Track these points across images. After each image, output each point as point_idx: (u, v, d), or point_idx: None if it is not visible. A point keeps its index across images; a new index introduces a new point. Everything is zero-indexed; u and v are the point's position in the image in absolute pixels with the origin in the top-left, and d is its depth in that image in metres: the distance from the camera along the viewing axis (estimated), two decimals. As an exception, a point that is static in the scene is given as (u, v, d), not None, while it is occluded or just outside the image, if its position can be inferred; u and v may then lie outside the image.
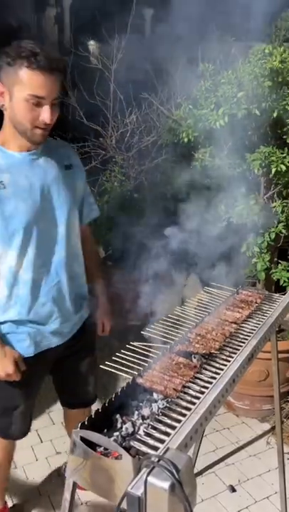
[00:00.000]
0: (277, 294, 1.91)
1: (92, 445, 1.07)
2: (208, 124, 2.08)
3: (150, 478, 0.84)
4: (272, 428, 2.59)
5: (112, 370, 1.29)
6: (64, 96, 2.96)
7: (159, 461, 0.86)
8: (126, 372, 1.26)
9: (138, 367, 1.29)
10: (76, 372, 1.80)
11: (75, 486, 1.12)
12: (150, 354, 1.35)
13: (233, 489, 2.24)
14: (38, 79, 1.33)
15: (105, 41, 3.84)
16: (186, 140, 2.23)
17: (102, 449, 1.07)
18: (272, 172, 2.18)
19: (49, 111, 1.37)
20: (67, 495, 1.12)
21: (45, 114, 1.37)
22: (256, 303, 1.77)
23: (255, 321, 1.62)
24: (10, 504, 2.07)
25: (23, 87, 1.34)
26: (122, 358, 1.32)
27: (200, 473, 2.32)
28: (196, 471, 2.31)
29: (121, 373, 1.28)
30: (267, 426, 2.64)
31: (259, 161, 2.14)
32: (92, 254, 1.87)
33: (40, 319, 1.59)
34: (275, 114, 2.13)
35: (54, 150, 1.57)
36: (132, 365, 1.29)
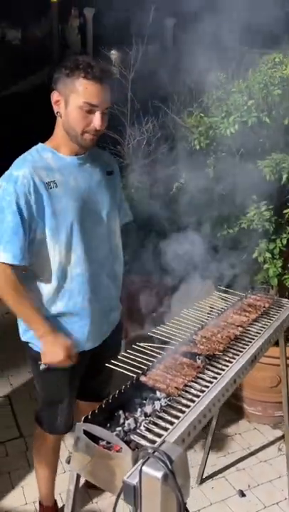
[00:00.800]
0: (286, 300, 1.93)
1: (95, 439, 1.12)
2: (219, 132, 2.13)
3: (145, 468, 0.88)
4: (285, 434, 2.58)
5: (118, 369, 1.34)
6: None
7: (154, 452, 0.90)
8: (131, 371, 1.31)
9: (143, 366, 1.34)
10: (100, 369, 1.84)
11: (78, 478, 1.17)
12: (155, 354, 1.40)
13: (242, 494, 2.25)
14: (92, 88, 1.46)
15: (124, 51, 3.93)
16: (197, 147, 2.27)
17: (104, 442, 1.12)
18: (284, 179, 2.21)
19: (100, 118, 1.49)
20: (71, 486, 1.17)
21: (96, 121, 1.49)
22: (264, 307, 1.80)
23: (260, 325, 1.65)
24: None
25: (78, 96, 1.47)
26: (128, 358, 1.37)
27: (210, 477, 2.34)
28: (206, 475, 2.33)
29: (126, 372, 1.32)
30: (279, 432, 2.63)
31: (270, 168, 2.17)
32: None
33: (85, 315, 1.67)
34: (286, 122, 2.16)
35: (98, 156, 1.70)
36: (138, 364, 1.34)
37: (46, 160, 1.55)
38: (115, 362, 1.35)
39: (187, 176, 2.63)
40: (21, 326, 1.73)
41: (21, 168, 1.50)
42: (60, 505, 2.07)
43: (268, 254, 2.42)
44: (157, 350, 1.40)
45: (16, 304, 1.57)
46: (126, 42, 3.84)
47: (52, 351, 1.58)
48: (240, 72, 2.35)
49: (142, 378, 1.29)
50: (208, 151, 2.34)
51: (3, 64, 11.69)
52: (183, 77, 3.15)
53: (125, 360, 1.36)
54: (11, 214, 1.48)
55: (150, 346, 1.41)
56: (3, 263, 1.50)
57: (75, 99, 1.47)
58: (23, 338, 1.73)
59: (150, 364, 1.35)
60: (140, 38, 3.76)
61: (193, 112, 2.35)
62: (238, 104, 2.06)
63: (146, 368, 1.33)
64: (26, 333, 1.70)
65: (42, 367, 1.68)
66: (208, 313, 1.72)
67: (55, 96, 1.52)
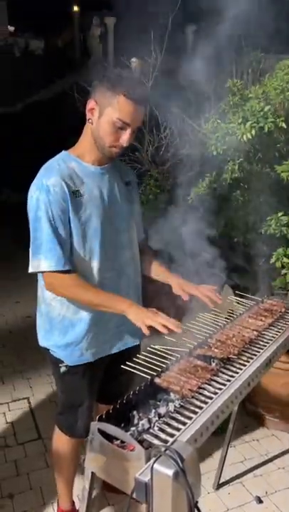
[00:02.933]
0: (303, 305, 1.92)
1: (109, 438, 1.14)
2: (236, 137, 2.14)
3: (156, 466, 0.90)
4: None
5: (133, 371, 1.36)
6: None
7: (166, 450, 0.92)
8: (145, 373, 1.33)
9: (157, 368, 1.36)
10: (119, 373, 1.86)
11: (93, 476, 1.20)
12: (170, 357, 1.42)
13: (260, 501, 2.23)
14: (129, 108, 1.49)
15: (144, 59, 3.99)
16: (214, 153, 2.29)
17: (118, 441, 1.14)
18: (302, 183, 2.21)
19: (129, 136, 1.54)
20: (86, 485, 1.20)
21: (125, 138, 1.54)
22: (280, 312, 1.79)
23: (276, 329, 1.65)
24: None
25: (114, 111, 1.50)
26: (143, 360, 1.39)
27: (227, 482, 2.33)
28: (222, 480, 2.32)
29: (140, 373, 1.35)
30: (297, 439, 2.61)
31: (287, 173, 2.17)
32: (153, 259, 1.91)
33: (104, 321, 1.70)
34: (303, 127, 2.16)
35: (118, 167, 1.74)
36: (152, 366, 1.36)
37: (72, 169, 1.58)
38: (131, 364, 1.37)
39: (205, 181, 2.66)
40: (41, 332, 1.77)
41: (51, 177, 1.53)
42: (77, 506, 2.09)
43: (286, 260, 2.41)
44: (172, 353, 1.42)
45: (87, 299, 1.58)
46: (146, 50, 3.90)
47: (145, 314, 1.48)
48: (256, 78, 2.37)
49: (157, 380, 1.31)
50: (225, 157, 2.35)
51: (26, 73, 11.96)
52: (200, 84, 3.17)
53: (140, 362, 1.38)
54: (48, 223, 1.51)
55: (165, 349, 1.43)
56: (50, 271, 1.54)
57: (110, 113, 1.51)
58: (44, 344, 1.76)
59: (165, 366, 1.36)
60: (160, 45, 3.81)
61: (210, 118, 2.37)
62: (255, 109, 2.08)
63: (160, 369, 1.35)
64: (47, 340, 1.74)
65: (62, 369, 1.72)
66: (219, 316, 1.73)
67: (90, 104, 1.55)
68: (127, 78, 1.52)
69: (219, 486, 2.29)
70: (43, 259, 1.53)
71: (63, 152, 1.64)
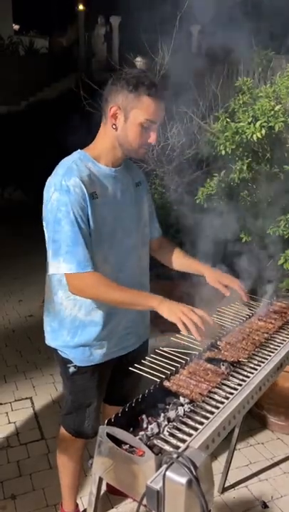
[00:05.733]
0: (312, 307, 1.89)
1: (118, 442, 1.11)
2: (246, 137, 2.11)
3: (169, 473, 0.87)
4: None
5: (141, 373, 1.34)
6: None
7: (178, 457, 0.89)
8: (154, 376, 1.30)
9: (167, 371, 1.33)
10: (127, 374, 1.84)
11: (101, 481, 1.17)
12: (179, 360, 1.39)
13: (265, 505, 2.20)
14: (154, 106, 1.49)
15: (150, 57, 3.97)
16: (223, 153, 2.26)
17: (127, 446, 1.11)
18: (311, 184, 2.18)
19: (156, 134, 1.54)
20: (93, 489, 1.17)
21: (154, 137, 1.54)
22: (290, 314, 1.76)
23: (286, 332, 1.62)
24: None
25: (141, 112, 1.49)
26: (152, 363, 1.37)
27: (232, 486, 2.30)
28: (228, 484, 2.29)
29: (149, 376, 1.32)
30: (303, 443, 2.58)
31: (297, 173, 2.14)
32: (177, 251, 1.88)
33: (115, 324, 1.68)
34: (314, 127, 2.14)
35: (128, 168, 1.72)
36: (161, 369, 1.33)
37: (89, 170, 1.56)
38: (139, 366, 1.34)
39: (212, 181, 2.63)
40: (48, 332, 1.74)
41: (71, 178, 1.50)
42: (81, 509, 2.07)
43: (294, 261, 2.38)
44: (181, 356, 1.39)
45: (114, 298, 1.54)
46: (152, 49, 3.87)
47: (179, 309, 1.42)
48: (267, 77, 2.34)
49: (166, 383, 1.28)
50: (234, 156, 2.32)
51: (30, 72, 11.96)
52: (208, 82, 3.15)
53: (149, 364, 1.36)
54: (69, 224, 1.49)
55: (174, 351, 1.40)
56: (71, 273, 1.51)
57: (137, 116, 1.49)
58: (51, 344, 1.74)
59: (174, 369, 1.34)
60: (166, 44, 3.79)
61: (219, 117, 2.34)
62: (265, 108, 2.05)
63: (169, 372, 1.32)
64: (55, 340, 1.71)
65: (71, 370, 1.70)
66: (233, 320, 1.70)
67: (113, 109, 1.51)
68: (145, 77, 1.50)
69: (224, 489, 2.26)
70: (62, 262, 1.50)
71: (80, 151, 1.61)
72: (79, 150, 1.61)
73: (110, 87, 1.53)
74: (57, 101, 8.50)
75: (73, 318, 1.65)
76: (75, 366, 1.69)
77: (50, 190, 1.52)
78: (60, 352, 1.72)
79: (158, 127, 1.54)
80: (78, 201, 1.49)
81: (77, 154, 1.59)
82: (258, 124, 2.07)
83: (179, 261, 1.85)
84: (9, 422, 2.74)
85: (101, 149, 1.59)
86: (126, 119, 1.51)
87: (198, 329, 1.36)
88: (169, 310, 1.42)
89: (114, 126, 1.54)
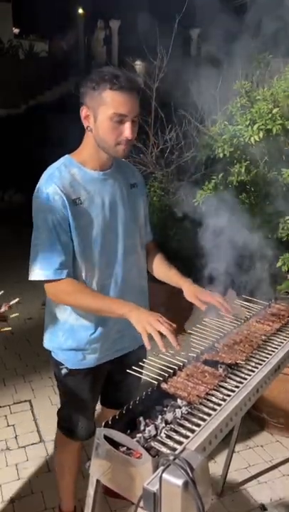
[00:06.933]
0: (311, 309, 1.89)
1: (115, 444, 1.11)
2: (244, 140, 2.12)
3: (165, 475, 0.87)
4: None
5: (139, 375, 1.34)
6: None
7: (174, 459, 0.89)
8: (152, 378, 1.30)
9: (164, 373, 1.33)
10: (123, 376, 1.84)
11: (98, 483, 1.17)
12: (177, 362, 1.39)
13: (264, 508, 2.20)
14: (120, 98, 1.45)
15: (149, 61, 3.98)
16: (221, 155, 2.27)
17: (124, 448, 1.11)
18: (309, 187, 2.18)
19: (130, 127, 1.49)
20: (91, 491, 1.17)
21: (127, 131, 1.48)
22: (288, 317, 1.77)
23: (284, 334, 1.62)
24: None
25: (107, 107, 1.46)
26: (149, 364, 1.37)
27: (231, 489, 2.30)
28: (226, 487, 2.28)
29: (147, 378, 1.32)
30: (302, 446, 2.58)
31: (295, 176, 2.15)
32: (161, 260, 1.87)
33: (107, 329, 1.67)
34: (311, 129, 2.15)
35: (121, 169, 1.70)
36: (159, 371, 1.33)
37: (73, 176, 1.55)
38: (136, 368, 1.34)
39: (210, 184, 2.63)
40: (47, 334, 1.74)
41: (51, 185, 1.50)
42: (79, 511, 2.06)
43: (292, 264, 2.39)
44: (179, 358, 1.39)
45: (87, 305, 1.54)
46: (151, 53, 3.89)
47: (146, 319, 1.41)
48: (264, 80, 2.35)
49: (163, 385, 1.28)
50: (232, 159, 2.33)
51: (30, 75, 11.99)
52: (207, 86, 3.16)
53: (146, 366, 1.36)
54: (46, 231, 1.49)
55: (171, 353, 1.40)
56: (47, 280, 1.51)
57: (104, 112, 1.47)
58: (47, 345, 1.74)
59: (171, 371, 1.34)
60: (165, 48, 3.80)
61: (217, 120, 2.35)
62: (263, 112, 2.05)
63: (167, 375, 1.32)
64: (51, 342, 1.72)
65: (64, 371, 1.70)
66: (225, 321, 1.70)
67: (84, 111, 1.51)
68: (107, 71, 1.47)
69: (223, 492, 2.26)
70: (38, 268, 1.52)
71: (66, 157, 1.60)
72: (66, 155, 1.60)
73: (80, 90, 1.52)
74: (57, 104, 8.52)
75: (64, 321, 1.65)
76: (66, 368, 1.69)
77: (34, 197, 1.54)
78: (53, 354, 1.72)
79: (134, 120, 1.49)
80: (57, 209, 1.49)
81: (62, 160, 1.59)
82: (255, 126, 2.07)
83: (161, 271, 1.82)
84: (8, 425, 2.74)
85: (86, 154, 1.58)
86: (95, 119, 1.50)
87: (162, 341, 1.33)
88: (137, 319, 1.41)
89: (88, 128, 1.53)
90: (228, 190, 2.57)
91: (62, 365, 1.70)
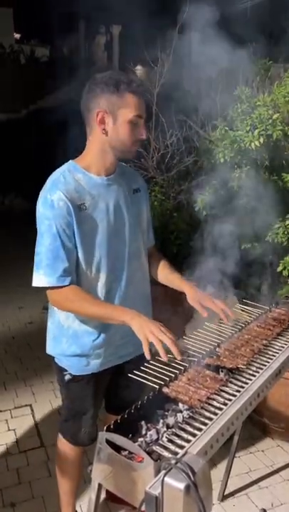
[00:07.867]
0: (311, 314, 1.89)
1: (117, 448, 1.12)
2: (244, 145, 2.13)
3: (167, 479, 0.88)
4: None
5: (140, 380, 1.34)
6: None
7: (176, 463, 0.90)
8: (153, 382, 1.31)
9: (165, 378, 1.34)
10: (126, 385, 1.83)
11: (100, 487, 1.17)
12: (178, 366, 1.39)
13: (265, 513, 2.19)
14: (138, 101, 1.52)
15: (150, 66, 4.00)
16: (222, 160, 2.28)
17: (126, 452, 1.12)
18: (309, 192, 2.20)
19: (144, 127, 1.56)
20: (92, 496, 1.17)
21: (143, 130, 1.55)
22: (288, 321, 1.77)
23: (285, 339, 1.62)
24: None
25: (128, 110, 1.51)
26: (151, 369, 1.37)
27: (232, 494, 2.29)
28: (227, 492, 2.28)
29: (148, 383, 1.32)
30: (303, 451, 2.57)
31: (295, 181, 2.16)
32: (164, 264, 1.88)
33: (110, 334, 1.67)
34: (311, 135, 2.16)
35: (126, 175, 1.72)
36: (160, 375, 1.34)
37: (78, 181, 1.56)
38: (138, 373, 1.35)
39: (211, 189, 2.64)
40: (49, 339, 1.74)
41: (55, 192, 1.51)
42: (80, 516, 2.07)
43: (293, 268, 2.39)
44: (180, 362, 1.40)
45: (90, 312, 1.55)
46: (151, 58, 3.91)
47: (148, 328, 1.41)
48: (265, 86, 2.36)
49: (165, 390, 1.29)
50: (233, 165, 2.34)
51: (31, 80, 12.03)
52: (207, 91, 3.18)
53: (148, 371, 1.36)
54: (51, 237, 1.50)
55: (173, 358, 1.41)
56: (50, 287, 1.52)
57: (125, 114, 1.50)
58: (50, 351, 1.74)
59: (173, 376, 1.34)
60: (165, 53, 3.82)
61: (218, 125, 2.36)
62: (263, 117, 2.07)
63: (168, 379, 1.32)
64: (54, 348, 1.72)
65: (67, 377, 1.70)
66: (226, 325, 1.70)
67: (100, 115, 1.51)
68: (122, 75, 1.53)
69: (224, 497, 2.25)
70: (42, 275, 1.52)
71: (70, 162, 1.61)
72: (70, 161, 1.61)
73: (88, 95, 1.54)
74: (58, 109, 8.55)
75: (68, 327, 1.66)
76: (70, 374, 1.69)
77: (38, 204, 1.54)
78: (56, 360, 1.73)
79: (143, 121, 1.56)
80: (62, 215, 1.50)
81: (66, 166, 1.60)
82: (256, 132, 2.09)
83: (164, 275, 1.83)
84: (9, 429, 2.73)
85: (91, 159, 1.59)
86: (115, 121, 1.52)
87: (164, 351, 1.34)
88: (139, 327, 1.41)
89: (104, 131, 1.54)
90: (229, 195, 2.59)
91: (66, 371, 1.70)
